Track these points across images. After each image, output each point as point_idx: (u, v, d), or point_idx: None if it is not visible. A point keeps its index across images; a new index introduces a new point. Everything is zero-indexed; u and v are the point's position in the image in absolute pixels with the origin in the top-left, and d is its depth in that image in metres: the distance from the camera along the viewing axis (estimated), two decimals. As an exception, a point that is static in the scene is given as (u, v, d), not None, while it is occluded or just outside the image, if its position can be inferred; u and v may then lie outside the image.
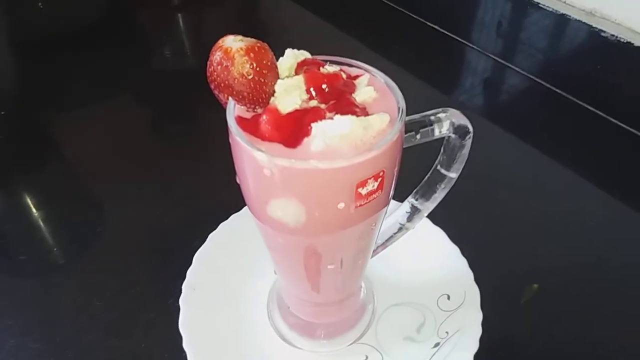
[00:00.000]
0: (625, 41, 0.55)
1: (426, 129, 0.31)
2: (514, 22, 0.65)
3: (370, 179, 0.27)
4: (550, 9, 0.60)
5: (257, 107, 0.27)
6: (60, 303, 0.43)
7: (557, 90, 0.63)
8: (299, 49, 0.30)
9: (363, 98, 0.29)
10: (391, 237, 0.37)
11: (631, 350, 0.40)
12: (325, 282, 0.35)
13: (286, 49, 0.30)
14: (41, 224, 0.51)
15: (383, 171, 0.27)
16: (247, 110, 0.28)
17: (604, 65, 0.58)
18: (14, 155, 0.59)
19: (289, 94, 0.27)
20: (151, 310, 0.41)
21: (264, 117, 0.27)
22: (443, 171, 0.33)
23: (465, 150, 0.32)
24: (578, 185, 0.54)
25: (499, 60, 0.69)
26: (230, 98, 0.27)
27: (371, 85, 0.29)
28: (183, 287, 0.40)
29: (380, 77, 0.30)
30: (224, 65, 0.26)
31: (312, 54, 0.30)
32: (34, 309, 0.42)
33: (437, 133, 0.31)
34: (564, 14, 0.59)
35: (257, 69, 0.26)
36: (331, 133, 0.26)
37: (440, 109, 0.31)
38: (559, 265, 0.45)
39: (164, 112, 0.65)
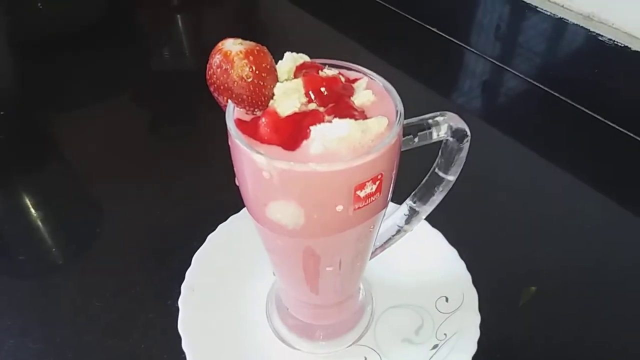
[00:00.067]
0: (622, 45, 0.55)
1: (424, 132, 0.31)
2: (512, 26, 0.65)
3: (368, 181, 0.27)
4: (548, 13, 0.61)
5: (256, 110, 0.28)
6: (59, 304, 0.43)
7: (555, 94, 0.64)
8: (297, 51, 0.30)
9: (361, 101, 0.29)
10: (389, 239, 0.38)
11: (630, 352, 0.40)
12: (324, 284, 0.35)
13: (285, 51, 0.30)
14: (40, 224, 0.51)
15: (381, 174, 0.28)
16: (247, 113, 0.28)
17: (602, 69, 0.58)
18: (13, 155, 0.59)
19: (288, 97, 0.27)
20: (150, 311, 0.41)
21: (263, 119, 0.27)
22: (441, 174, 0.34)
23: (463, 154, 0.32)
24: (576, 188, 0.54)
25: (497, 63, 0.69)
26: (229, 101, 0.27)
27: (370, 88, 0.30)
28: (182, 288, 0.40)
29: (379, 80, 0.30)
30: (224, 68, 0.26)
31: (310, 57, 0.30)
32: (33, 309, 0.42)
33: (435, 136, 0.31)
34: (562, 18, 0.60)
35: (257, 72, 0.26)
36: (330, 136, 0.26)
37: (438, 113, 0.31)
38: (556, 267, 0.45)
39: (163, 113, 0.65)
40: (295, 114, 0.27)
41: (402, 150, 0.30)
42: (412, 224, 0.37)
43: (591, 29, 0.57)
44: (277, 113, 0.27)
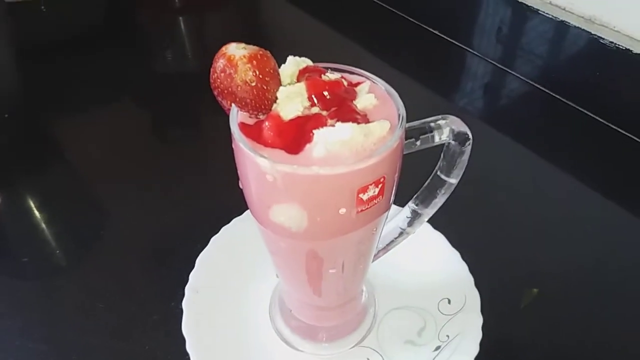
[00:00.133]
0: (624, 48, 0.55)
1: (426, 135, 0.31)
2: (513, 28, 0.66)
3: (371, 184, 0.27)
4: (550, 16, 0.61)
5: (259, 113, 0.28)
6: (63, 305, 0.43)
7: (556, 96, 0.64)
8: (300, 54, 0.30)
9: (364, 105, 0.29)
10: (392, 241, 0.38)
11: (631, 354, 0.40)
12: (326, 286, 0.36)
13: (288, 54, 0.30)
14: (44, 226, 0.51)
15: (384, 177, 0.28)
16: (250, 117, 0.28)
17: (603, 72, 0.58)
18: (17, 156, 0.59)
19: (291, 100, 0.28)
20: (154, 313, 0.41)
21: (267, 123, 0.27)
22: (443, 177, 0.34)
23: (465, 157, 0.32)
24: (577, 191, 0.54)
25: (499, 65, 0.69)
26: (233, 104, 0.28)
27: (372, 92, 0.30)
28: (186, 290, 0.40)
29: (381, 84, 0.31)
30: (228, 72, 0.26)
31: (313, 59, 0.30)
32: (37, 310, 0.43)
33: (437, 140, 0.31)
34: (564, 21, 0.60)
35: (260, 76, 0.27)
36: (332, 140, 0.26)
37: (440, 116, 0.31)
38: (558, 269, 0.45)
39: (165, 115, 0.65)
40: (298, 117, 0.27)
41: (404, 153, 0.30)
42: (414, 227, 0.37)
43: (592, 32, 0.58)
44: (280, 117, 0.27)
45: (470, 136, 0.31)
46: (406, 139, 0.30)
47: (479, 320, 0.38)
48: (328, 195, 0.27)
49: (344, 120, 0.27)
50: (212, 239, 0.43)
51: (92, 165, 0.57)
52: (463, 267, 0.41)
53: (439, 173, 0.34)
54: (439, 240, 0.43)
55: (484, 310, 0.39)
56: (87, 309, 0.42)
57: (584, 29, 0.58)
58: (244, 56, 0.26)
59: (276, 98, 0.28)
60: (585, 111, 0.61)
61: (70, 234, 0.50)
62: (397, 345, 0.39)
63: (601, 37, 0.57)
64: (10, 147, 0.60)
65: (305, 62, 0.30)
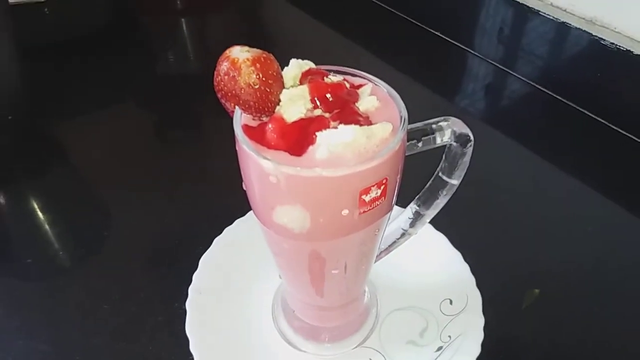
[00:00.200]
0: (624, 49, 0.55)
1: (428, 137, 0.31)
2: (515, 30, 0.66)
3: (373, 186, 0.28)
4: (551, 17, 0.61)
5: (263, 116, 0.28)
6: (67, 306, 0.43)
7: (558, 97, 0.64)
8: (302, 57, 0.31)
9: (366, 107, 0.29)
10: (394, 242, 0.38)
11: (631, 354, 0.41)
12: (329, 287, 0.36)
13: (288, 54, 0.30)
14: (47, 228, 0.51)
15: (386, 178, 0.28)
16: (254, 119, 0.29)
17: (604, 73, 0.59)
18: (20, 159, 0.59)
19: (294, 103, 0.28)
20: (158, 314, 0.42)
21: (270, 125, 0.28)
22: (445, 178, 0.34)
23: (467, 158, 0.33)
24: (579, 191, 0.54)
25: (500, 66, 0.69)
26: (237, 107, 0.28)
27: (374, 94, 0.30)
28: (189, 290, 0.40)
29: (383, 86, 0.31)
30: (231, 75, 0.27)
31: (314, 61, 0.31)
32: (41, 311, 0.43)
33: (438, 141, 0.32)
34: (565, 22, 0.60)
35: (263, 79, 0.27)
36: (335, 142, 0.26)
37: (441, 118, 0.31)
38: (560, 270, 0.46)
39: (168, 116, 0.65)
40: (301, 120, 0.27)
41: (406, 154, 0.30)
42: (416, 228, 0.37)
43: (593, 33, 0.58)
44: (283, 119, 0.27)
45: (472, 138, 0.32)
46: (408, 141, 0.30)
47: (481, 320, 0.38)
48: (331, 196, 0.28)
49: (346, 123, 0.27)
50: (215, 240, 0.44)
51: (96, 166, 0.57)
52: (465, 268, 0.42)
53: (440, 174, 0.34)
54: (441, 241, 0.43)
55: (485, 310, 0.39)
56: (90, 310, 0.42)
57: (585, 30, 0.58)
58: (248, 59, 0.27)
59: (279, 100, 0.28)
60: (587, 112, 0.62)
61: (73, 235, 0.50)
62: (399, 346, 0.39)
63: (602, 39, 0.57)
64: (13, 148, 0.60)
65: (308, 64, 0.30)
